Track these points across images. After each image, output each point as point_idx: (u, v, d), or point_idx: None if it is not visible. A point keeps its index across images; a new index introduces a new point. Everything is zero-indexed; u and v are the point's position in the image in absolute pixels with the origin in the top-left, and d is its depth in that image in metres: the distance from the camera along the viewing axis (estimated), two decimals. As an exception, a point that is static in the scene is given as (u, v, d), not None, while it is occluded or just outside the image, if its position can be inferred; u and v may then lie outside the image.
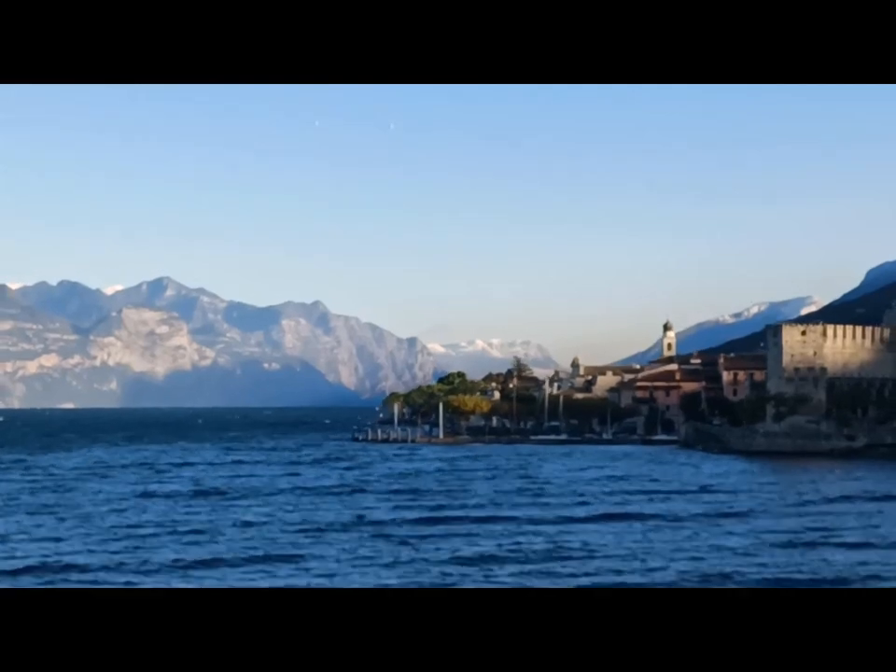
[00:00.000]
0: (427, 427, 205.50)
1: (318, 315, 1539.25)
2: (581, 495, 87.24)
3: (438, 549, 55.65)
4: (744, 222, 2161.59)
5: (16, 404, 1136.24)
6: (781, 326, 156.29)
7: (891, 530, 62.87)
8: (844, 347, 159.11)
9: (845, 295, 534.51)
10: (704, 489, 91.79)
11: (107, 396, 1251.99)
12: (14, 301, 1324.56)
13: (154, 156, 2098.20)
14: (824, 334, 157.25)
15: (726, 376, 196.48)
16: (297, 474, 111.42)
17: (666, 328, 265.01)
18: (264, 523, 66.72)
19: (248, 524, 65.99)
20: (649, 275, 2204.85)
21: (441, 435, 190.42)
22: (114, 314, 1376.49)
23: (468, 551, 55.01)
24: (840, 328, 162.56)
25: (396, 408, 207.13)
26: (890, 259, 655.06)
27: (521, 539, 59.73)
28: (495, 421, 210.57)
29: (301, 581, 46.10)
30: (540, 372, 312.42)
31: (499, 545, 57.01)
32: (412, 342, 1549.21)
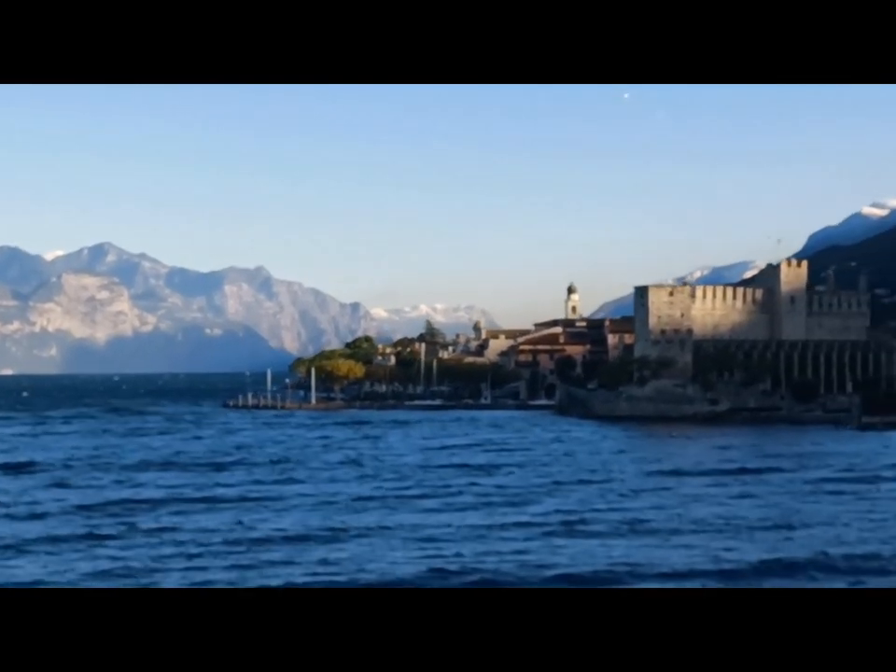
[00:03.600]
0: (301, 393, 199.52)
1: (261, 281, 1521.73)
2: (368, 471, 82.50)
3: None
4: (688, 187, 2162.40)
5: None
6: (647, 288, 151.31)
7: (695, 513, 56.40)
8: (714, 309, 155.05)
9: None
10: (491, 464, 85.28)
11: (47, 362, 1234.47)
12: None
13: (98, 121, 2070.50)
14: (692, 296, 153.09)
15: (611, 339, 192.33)
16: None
17: (570, 290, 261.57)
18: None
19: None
20: (593, 241, 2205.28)
21: (314, 401, 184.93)
22: (54, 279, 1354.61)
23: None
24: (710, 288, 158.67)
25: (269, 375, 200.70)
26: (831, 223, 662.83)
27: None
28: (384, 387, 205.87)
29: None
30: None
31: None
32: (355, 307, 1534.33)
